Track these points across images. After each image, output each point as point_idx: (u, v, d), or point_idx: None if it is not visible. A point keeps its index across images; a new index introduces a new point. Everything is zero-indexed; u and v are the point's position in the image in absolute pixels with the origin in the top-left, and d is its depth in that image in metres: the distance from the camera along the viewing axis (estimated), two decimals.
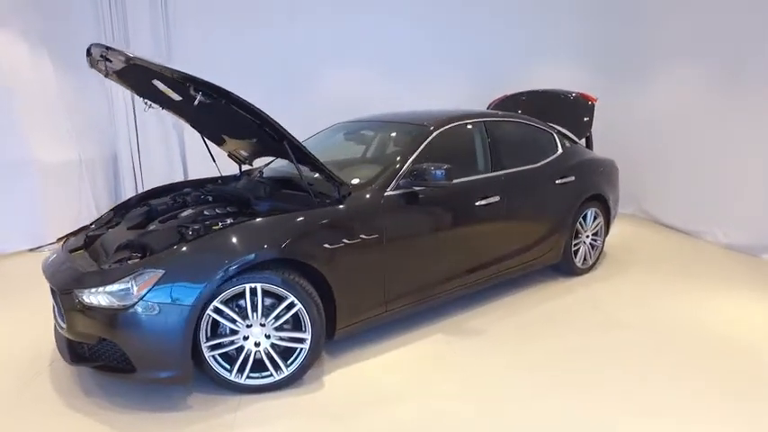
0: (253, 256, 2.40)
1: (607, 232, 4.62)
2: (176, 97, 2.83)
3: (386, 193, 2.96)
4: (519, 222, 3.72)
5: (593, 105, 4.66)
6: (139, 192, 4.45)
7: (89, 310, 2.31)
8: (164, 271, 2.28)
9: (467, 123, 3.63)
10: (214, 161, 3.78)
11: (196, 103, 2.52)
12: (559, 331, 3.33)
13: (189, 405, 2.49)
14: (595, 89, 6.71)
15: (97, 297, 2.30)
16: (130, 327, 2.26)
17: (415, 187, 3.03)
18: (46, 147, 5.21)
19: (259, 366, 2.58)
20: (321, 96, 6.46)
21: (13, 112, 4.85)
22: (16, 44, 5.10)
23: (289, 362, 2.61)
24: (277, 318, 2.53)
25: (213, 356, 2.49)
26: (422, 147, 3.22)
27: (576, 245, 4.26)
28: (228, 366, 2.53)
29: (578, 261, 4.31)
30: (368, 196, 2.91)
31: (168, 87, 2.71)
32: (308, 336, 2.59)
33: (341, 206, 2.80)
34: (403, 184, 3.03)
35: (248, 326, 2.51)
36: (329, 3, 6.34)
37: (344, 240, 2.72)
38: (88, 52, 2.74)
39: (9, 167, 4.80)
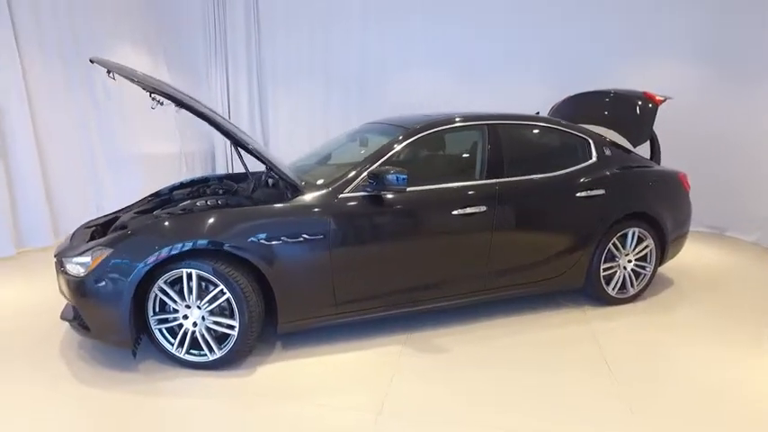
0: (182, 244, 2.65)
1: (662, 259, 3.87)
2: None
3: (341, 196, 2.97)
4: (515, 236, 3.36)
5: (655, 108, 3.94)
6: None
7: (66, 275, 2.81)
8: (112, 250, 2.66)
9: (460, 127, 3.40)
10: (241, 158, 4.17)
11: (153, 107, 2.85)
12: (531, 365, 2.94)
13: (138, 369, 2.85)
14: (707, 92, 5.71)
15: (71, 266, 2.78)
16: (84, 293, 2.68)
17: (376, 192, 2.97)
18: (153, 142, 6.25)
19: (198, 345, 2.83)
20: (392, 97, 6.56)
21: (125, 112, 5.92)
22: (139, 55, 6.22)
23: (222, 345, 2.81)
24: (210, 302, 2.75)
25: (160, 330, 2.81)
26: (392, 151, 3.14)
27: (608, 269, 3.67)
28: (172, 341, 2.83)
29: (612, 288, 3.71)
30: (318, 198, 2.95)
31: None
32: (236, 323, 2.76)
33: (285, 205, 2.90)
34: (363, 188, 3.00)
35: (187, 306, 2.77)
36: (400, 9, 6.37)
37: (283, 238, 2.81)
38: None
39: (119, 159, 5.87)
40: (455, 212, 3.14)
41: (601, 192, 3.54)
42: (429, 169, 3.42)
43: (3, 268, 4.54)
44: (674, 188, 3.90)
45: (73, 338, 3.19)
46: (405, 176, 2.85)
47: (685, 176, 3.97)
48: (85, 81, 5.60)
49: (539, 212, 3.43)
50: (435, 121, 3.35)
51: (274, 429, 2.35)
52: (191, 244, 2.67)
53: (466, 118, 3.44)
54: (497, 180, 3.29)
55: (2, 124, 4.83)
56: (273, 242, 2.80)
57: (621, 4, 5.86)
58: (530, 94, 5.99)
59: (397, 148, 3.16)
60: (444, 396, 2.63)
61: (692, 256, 5.03)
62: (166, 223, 2.76)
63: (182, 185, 4.11)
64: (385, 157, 3.11)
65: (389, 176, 2.87)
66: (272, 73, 6.84)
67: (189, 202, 3.42)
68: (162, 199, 3.75)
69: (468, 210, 3.16)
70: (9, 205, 4.91)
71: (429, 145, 3.41)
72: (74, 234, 3.18)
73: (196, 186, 3.93)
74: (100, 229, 3.30)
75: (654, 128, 4.11)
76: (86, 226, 3.35)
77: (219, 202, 3.36)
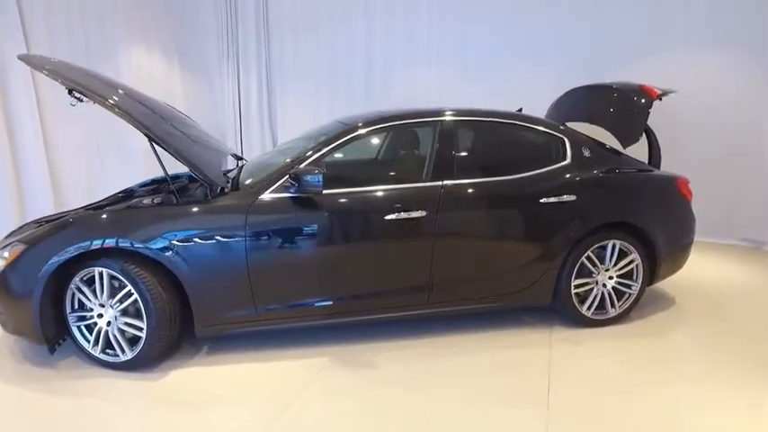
0: (89, 242, 2.60)
1: (652, 277, 3.37)
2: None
3: (261, 197, 2.81)
4: (462, 246, 3.03)
5: (648, 103, 3.43)
6: None
7: None
8: (26, 246, 2.67)
9: (404, 125, 3.13)
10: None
11: (73, 104, 2.83)
12: (460, 391, 2.63)
13: (56, 366, 2.82)
14: (747, 88, 4.99)
15: None
16: (1, 288, 2.72)
17: (298, 193, 2.79)
18: None
19: (113, 345, 2.78)
20: (398, 95, 6.33)
21: None
22: (152, 57, 6.43)
23: (133, 347, 2.75)
24: (120, 302, 2.69)
25: (78, 327, 2.79)
26: (322, 151, 2.93)
27: (580, 285, 3.24)
28: (90, 338, 2.80)
29: (587, 308, 3.27)
30: (238, 198, 2.81)
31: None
32: (143, 325, 2.68)
33: (202, 205, 2.78)
34: (287, 189, 2.82)
35: (101, 305, 2.73)
36: (406, 5, 6.12)
37: (197, 239, 2.70)
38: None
39: (126, 151, 6.06)
40: (389, 217, 2.87)
41: (571, 198, 3.12)
42: (366, 170, 3.19)
43: None
44: (668, 195, 3.38)
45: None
46: (320, 177, 2.65)
47: (685, 182, 3.43)
48: None
49: (491, 219, 3.08)
50: (375, 118, 3.10)
51: None
52: (99, 242, 2.62)
53: (414, 114, 3.17)
54: (443, 182, 2.99)
55: (10, 116, 5.11)
56: (187, 243, 2.69)
57: None
58: (542, 89, 5.48)
59: (328, 147, 2.95)
60: (346, 417, 2.40)
61: (710, 272, 4.42)
62: (81, 222, 2.74)
63: (152, 182, 4.14)
64: (313, 157, 2.91)
65: (306, 177, 2.69)
66: (280, 73, 6.85)
67: (137, 200, 3.42)
68: (124, 195, 3.78)
69: (404, 214, 2.88)
70: (16, 195, 5.21)
71: (369, 144, 3.17)
72: (16, 230, 3.26)
73: (164, 184, 3.94)
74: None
75: (651, 126, 3.61)
76: (36, 222, 3.42)
77: (156, 201, 3.29)
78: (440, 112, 3.17)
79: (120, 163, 6.06)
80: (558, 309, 3.31)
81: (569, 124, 3.90)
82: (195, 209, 2.78)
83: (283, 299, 2.89)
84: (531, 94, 5.52)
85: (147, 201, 3.27)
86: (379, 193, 2.93)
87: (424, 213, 2.90)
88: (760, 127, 4.98)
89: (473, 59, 5.94)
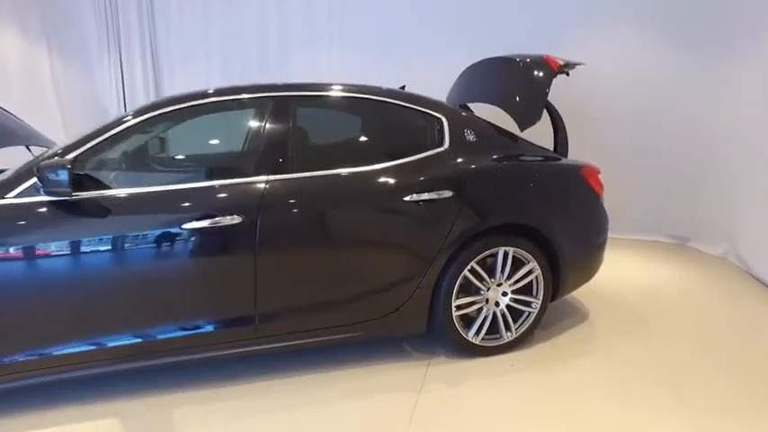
0: None
1: (555, 292, 2.71)
2: None
3: (2, 202, 2.00)
4: (298, 262, 2.29)
5: (549, 76, 2.76)
6: None
7: None
8: None
9: (224, 103, 2.36)
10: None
11: None
12: None
13: None
14: (667, 71, 4.48)
15: None
16: None
17: (48, 196, 1.99)
18: None
19: None
20: (296, 77, 5.54)
21: (8, 102, 5.14)
22: (14, 39, 5.45)
23: None
24: None
25: None
26: (98, 139, 2.15)
27: (465, 306, 2.56)
28: None
29: (473, 333, 2.59)
30: None
31: None
32: None
33: None
34: (38, 191, 2.01)
35: None
36: None
37: None
38: None
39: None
40: (189, 226, 2.11)
41: (447, 194, 2.42)
42: (168, 163, 2.42)
43: None
44: (572, 188, 2.73)
45: None
46: (64, 173, 1.87)
47: (593, 172, 2.78)
48: None
49: (336, 226, 2.35)
50: (183, 96, 2.31)
51: None
52: None
53: (236, 90, 2.41)
54: (267, 177, 2.23)
55: None
56: None
57: None
58: (452, 68, 4.86)
59: (107, 134, 2.16)
60: None
61: (630, 275, 3.87)
62: None
63: None
64: (83, 148, 2.11)
65: (51, 175, 1.89)
66: (167, 57, 6.00)
67: None
68: None
69: (209, 222, 2.12)
70: None
71: (177, 129, 2.38)
72: None
73: None
74: None
75: (555, 106, 2.97)
76: None
77: None
78: (272, 87, 2.43)
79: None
80: (442, 336, 2.61)
81: (472, 106, 3.26)
82: None
83: (45, 342, 2.07)
84: (443, 72, 4.87)
85: None
86: (176, 194, 2.15)
87: (238, 219, 2.14)
88: (682, 109, 4.45)
89: (377, 37, 5.24)
